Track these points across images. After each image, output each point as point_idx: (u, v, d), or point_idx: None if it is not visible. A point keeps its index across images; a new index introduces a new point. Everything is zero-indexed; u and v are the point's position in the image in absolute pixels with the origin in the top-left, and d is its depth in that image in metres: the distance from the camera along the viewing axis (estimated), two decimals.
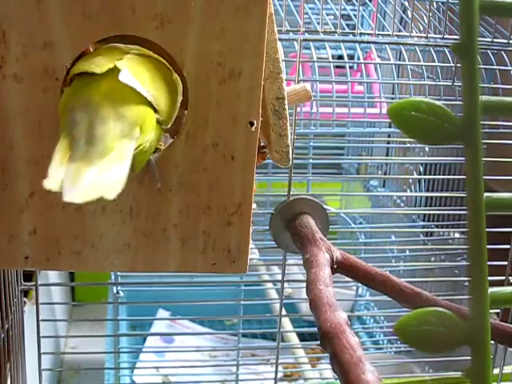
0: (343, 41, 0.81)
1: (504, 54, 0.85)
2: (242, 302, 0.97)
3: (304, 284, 0.56)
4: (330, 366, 0.45)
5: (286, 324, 1.13)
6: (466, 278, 0.87)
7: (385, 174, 1.33)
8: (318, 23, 0.74)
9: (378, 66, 1.03)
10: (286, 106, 0.50)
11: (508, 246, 0.77)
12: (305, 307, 1.08)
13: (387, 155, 1.29)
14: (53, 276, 1.23)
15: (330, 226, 0.72)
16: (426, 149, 1.09)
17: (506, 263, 0.77)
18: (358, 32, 0.75)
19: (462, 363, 0.29)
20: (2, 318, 0.67)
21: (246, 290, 1.02)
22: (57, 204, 0.46)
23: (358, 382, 0.39)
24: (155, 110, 0.40)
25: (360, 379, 0.39)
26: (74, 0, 0.41)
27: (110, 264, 0.48)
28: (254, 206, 0.49)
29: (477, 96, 0.28)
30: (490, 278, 0.29)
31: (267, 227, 0.72)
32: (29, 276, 0.76)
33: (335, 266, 0.62)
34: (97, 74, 0.38)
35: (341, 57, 1.01)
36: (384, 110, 0.95)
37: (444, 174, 1.09)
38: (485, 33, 0.86)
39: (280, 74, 0.48)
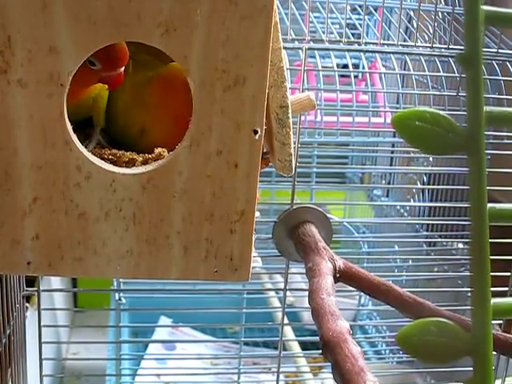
0: (348, 50, 0.81)
1: (509, 65, 0.85)
2: (244, 310, 0.97)
3: (306, 293, 0.56)
4: (331, 375, 0.44)
5: (288, 332, 1.13)
6: (469, 289, 0.87)
7: (388, 183, 1.33)
8: (324, 32, 0.74)
9: (382, 75, 1.04)
10: (290, 115, 0.49)
11: (511, 257, 0.77)
12: (307, 316, 1.08)
13: (391, 165, 1.29)
14: (55, 282, 1.23)
15: (333, 235, 0.72)
16: (430, 159, 1.09)
17: (509, 274, 0.77)
18: (363, 41, 0.75)
19: (464, 374, 0.29)
20: (4, 323, 0.67)
21: (248, 298, 1.02)
22: (60, 210, 0.46)
23: None
24: None
25: None
26: (79, 6, 0.41)
27: (113, 270, 0.48)
28: (257, 214, 0.49)
29: (481, 106, 0.28)
30: (492, 289, 0.29)
31: (270, 235, 0.72)
32: (31, 281, 0.76)
33: (338, 275, 0.62)
34: None
35: (346, 66, 1.01)
36: (388, 120, 0.95)
37: (448, 184, 1.09)
38: (490, 43, 0.86)
39: (284, 82, 0.48)
